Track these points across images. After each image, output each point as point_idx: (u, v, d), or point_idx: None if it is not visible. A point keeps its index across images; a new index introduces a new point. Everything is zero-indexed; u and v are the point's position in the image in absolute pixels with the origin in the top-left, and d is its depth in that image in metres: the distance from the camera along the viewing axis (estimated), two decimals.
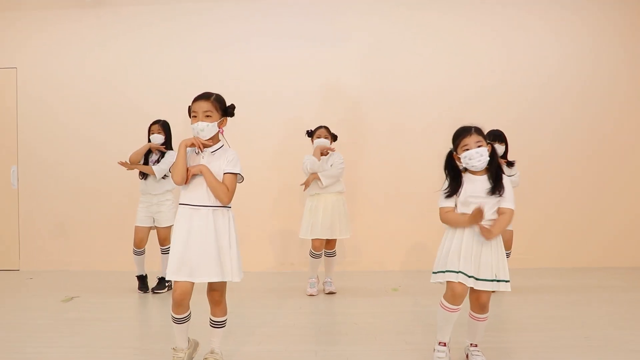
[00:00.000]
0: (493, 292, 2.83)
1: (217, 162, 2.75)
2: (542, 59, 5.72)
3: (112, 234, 5.79)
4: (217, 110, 2.75)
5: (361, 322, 3.79)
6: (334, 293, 4.66)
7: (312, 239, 4.57)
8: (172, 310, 2.75)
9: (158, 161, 4.66)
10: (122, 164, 4.66)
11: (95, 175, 5.85)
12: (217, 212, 2.73)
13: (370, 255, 5.74)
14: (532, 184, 5.54)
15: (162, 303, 4.43)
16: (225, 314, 2.89)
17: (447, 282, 2.79)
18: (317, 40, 5.77)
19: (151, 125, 4.74)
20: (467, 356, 3.02)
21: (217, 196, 2.71)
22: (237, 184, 2.79)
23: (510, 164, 4.62)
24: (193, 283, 2.71)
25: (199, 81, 5.45)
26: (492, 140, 4.38)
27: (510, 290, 2.79)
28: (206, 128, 2.71)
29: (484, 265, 2.75)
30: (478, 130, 2.85)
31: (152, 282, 4.87)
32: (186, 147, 2.73)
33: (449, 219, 2.83)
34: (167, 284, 4.78)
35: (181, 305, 2.72)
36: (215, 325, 2.90)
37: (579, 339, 3.34)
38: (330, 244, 4.67)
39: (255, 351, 3.20)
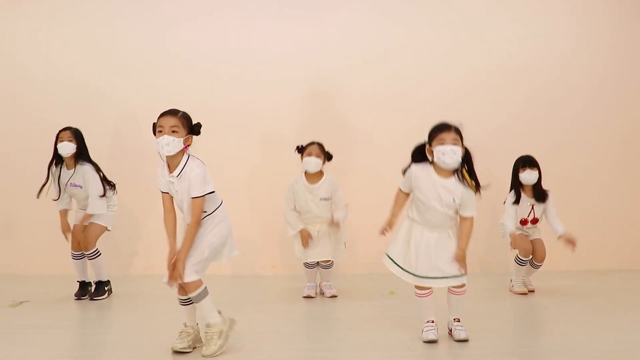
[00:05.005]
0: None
1: (184, 184, 2.76)
2: (555, 36, 5.13)
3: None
4: (183, 126, 2.74)
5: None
6: (335, 296, 4.28)
7: None
8: (177, 293, 2.87)
9: (73, 184, 4.12)
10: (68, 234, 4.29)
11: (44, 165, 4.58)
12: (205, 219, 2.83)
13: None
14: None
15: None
16: (197, 287, 2.78)
17: None
18: (301, 9, 5.22)
19: (60, 132, 4.13)
20: (450, 331, 3.03)
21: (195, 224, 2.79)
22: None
23: (542, 197, 4.00)
24: None
25: (166, 60, 5.13)
26: (522, 166, 3.98)
27: (461, 283, 2.91)
28: (172, 143, 2.69)
29: (433, 265, 2.89)
30: (458, 130, 2.85)
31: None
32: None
33: (395, 200, 3.07)
34: (107, 288, 4.33)
35: (182, 288, 2.84)
36: (189, 302, 2.86)
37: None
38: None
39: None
